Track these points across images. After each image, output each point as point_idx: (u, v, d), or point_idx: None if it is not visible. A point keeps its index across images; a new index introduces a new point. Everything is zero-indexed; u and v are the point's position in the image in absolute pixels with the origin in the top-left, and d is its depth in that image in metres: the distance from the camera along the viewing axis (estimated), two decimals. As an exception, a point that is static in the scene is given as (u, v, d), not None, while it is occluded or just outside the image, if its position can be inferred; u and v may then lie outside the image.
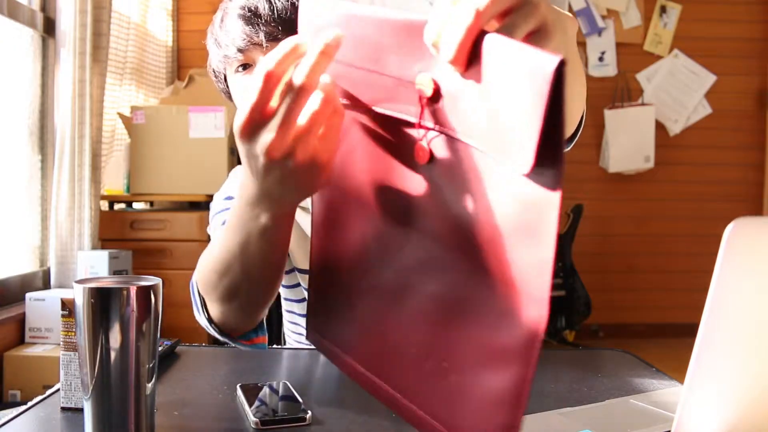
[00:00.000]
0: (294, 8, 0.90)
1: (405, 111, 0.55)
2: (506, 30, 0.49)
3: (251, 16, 0.90)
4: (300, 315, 1.10)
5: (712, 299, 0.49)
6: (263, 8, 0.90)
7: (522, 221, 0.48)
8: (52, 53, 2.65)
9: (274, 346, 1.02)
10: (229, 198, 1.06)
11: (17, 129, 2.53)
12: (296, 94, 0.54)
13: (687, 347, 0.51)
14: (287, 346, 1.15)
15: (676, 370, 0.79)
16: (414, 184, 0.57)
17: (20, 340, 2.33)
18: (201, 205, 2.94)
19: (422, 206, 0.56)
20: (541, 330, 0.47)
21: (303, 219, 1.02)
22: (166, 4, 3.62)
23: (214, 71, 1.01)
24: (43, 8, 2.62)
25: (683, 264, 4.10)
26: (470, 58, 0.48)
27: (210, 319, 0.81)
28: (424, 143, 0.54)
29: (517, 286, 0.49)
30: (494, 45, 0.48)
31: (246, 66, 0.94)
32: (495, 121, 0.48)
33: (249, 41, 0.90)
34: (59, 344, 0.73)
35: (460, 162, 0.52)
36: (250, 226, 0.65)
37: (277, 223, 0.64)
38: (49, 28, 2.62)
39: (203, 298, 0.81)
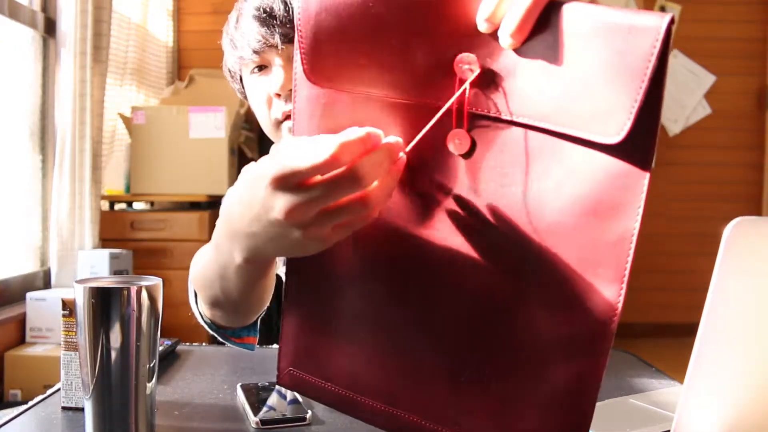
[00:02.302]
0: None
1: (433, 99, 0.50)
2: None
3: (266, 18, 0.88)
4: None
5: (711, 299, 0.49)
6: (278, 9, 0.88)
7: (601, 199, 0.46)
8: (52, 53, 2.65)
9: (275, 345, 1.02)
10: None
11: (18, 129, 2.53)
12: (346, 185, 0.49)
13: (687, 347, 0.51)
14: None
15: (676, 370, 0.79)
16: (447, 177, 0.51)
17: (21, 340, 2.33)
18: (201, 205, 2.94)
19: (456, 199, 0.51)
20: (616, 314, 0.46)
21: None
22: (166, 5, 3.62)
23: (229, 71, 1.00)
24: (44, 9, 2.62)
25: (683, 264, 4.10)
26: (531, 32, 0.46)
27: (202, 314, 0.81)
28: (464, 132, 0.50)
29: (589, 268, 0.47)
30: (570, 12, 0.46)
31: (262, 67, 0.92)
32: (573, 91, 0.45)
33: (264, 43, 0.89)
34: (60, 344, 0.73)
35: (512, 145, 0.48)
36: (226, 259, 0.61)
37: (252, 267, 0.60)
38: (49, 28, 2.62)
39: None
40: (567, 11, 0.46)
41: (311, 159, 0.48)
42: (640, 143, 0.44)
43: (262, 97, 0.93)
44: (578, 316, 0.48)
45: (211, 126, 2.89)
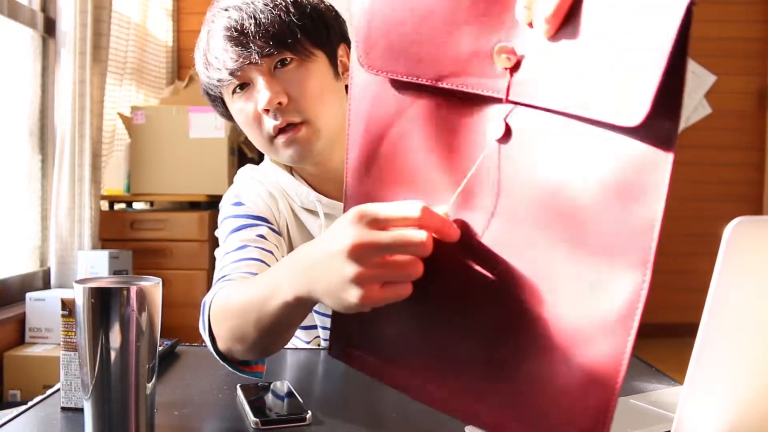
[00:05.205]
0: (281, 21, 0.89)
1: (477, 86, 0.52)
2: None
3: (238, 36, 0.89)
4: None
5: (712, 299, 0.49)
6: (249, 25, 0.88)
7: (624, 182, 0.46)
8: (52, 53, 2.65)
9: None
10: (239, 204, 1.01)
11: (17, 129, 2.53)
12: (412, 246, 0.53)
13: (687, 347, 0.51)
14: (288, 346, 1.14)
15: (676, 370, 0.79)
16: (485, 163, 0.53)
17: (20, 340, 2.33)
18: (201, 205, 2.94)
19: (494, 184, 0.53)
20: (642, 297, 0.45)
21: (311, 223, 1.01)
22: (166, 4, 3.62)
23: (208, 95, 1.00)
24: (44, 8, 2.62)
25: (683, 264, 4.10)
26: (564, 20, 0.47)
27: (213, 341, 0.80)
28: (501, 118, 0.51)
29: (614, 252, 0.47)
30: None
31: (243, 85, 0.92)
32: (597, 76, 0.46)
33: (242, 61, 0.89)
34: (59, 344, 0.73)
35: (543, 132, 0.49)
36: (275, 293, 0.65)
37: (296, 305, 0.65)
38: (49, 28, 2.62)
39: (210, 323, 0.79)
40: None
41: (401, 211, 0.53)
42: (663, 125, 0.44)
43: (250, 114, 0.92)
44: (603, 301, 0.47)
45: (211, 126, 2.89)
